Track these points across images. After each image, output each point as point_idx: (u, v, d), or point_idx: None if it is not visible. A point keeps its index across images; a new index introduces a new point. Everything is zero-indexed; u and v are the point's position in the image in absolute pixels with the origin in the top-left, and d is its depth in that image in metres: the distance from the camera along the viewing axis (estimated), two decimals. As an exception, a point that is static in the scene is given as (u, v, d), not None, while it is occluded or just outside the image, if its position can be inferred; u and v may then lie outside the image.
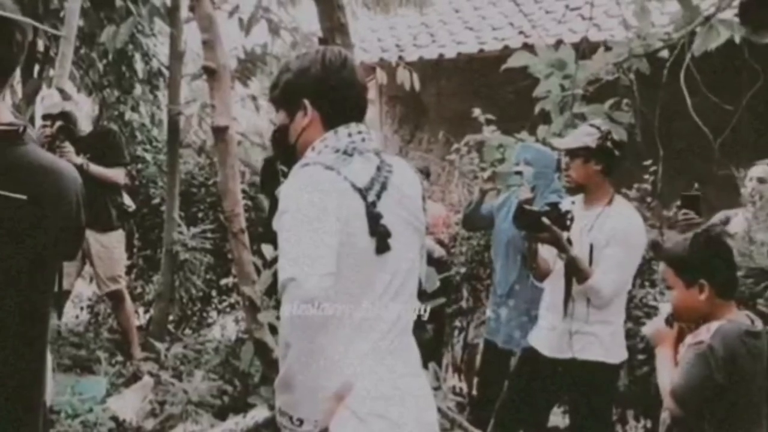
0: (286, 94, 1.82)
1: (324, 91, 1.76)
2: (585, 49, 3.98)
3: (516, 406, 3.21)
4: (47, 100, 4.43)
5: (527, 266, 3.27)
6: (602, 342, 2.97)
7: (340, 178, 1.67)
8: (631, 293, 3.56)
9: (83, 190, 1.54)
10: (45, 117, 4.31)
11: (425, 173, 5.49)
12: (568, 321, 2.98)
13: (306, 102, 1.77)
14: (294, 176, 1.70)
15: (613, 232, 2.95)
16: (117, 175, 4.62)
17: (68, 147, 4.24)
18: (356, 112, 1.81)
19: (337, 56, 1.79)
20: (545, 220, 2.87)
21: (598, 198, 3.07)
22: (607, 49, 4.11)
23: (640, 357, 4.12)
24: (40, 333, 1.46)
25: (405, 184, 1.81)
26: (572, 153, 3.10)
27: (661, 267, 3.07)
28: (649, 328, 2.54)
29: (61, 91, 4.54)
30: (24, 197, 1.24)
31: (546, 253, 3.06)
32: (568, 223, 2.90)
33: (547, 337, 3.09)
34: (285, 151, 1.86)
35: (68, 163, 1.63)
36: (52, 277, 1.51)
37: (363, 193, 1.68)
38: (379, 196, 1.71)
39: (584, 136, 3.09)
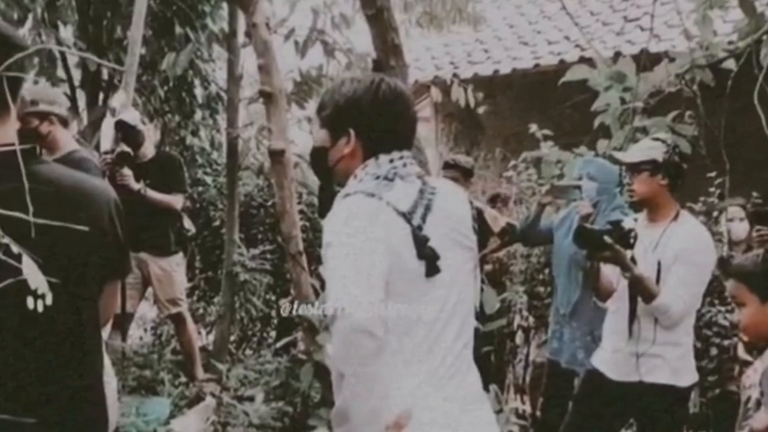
0: (334, 119, 1.79)
1: (371, 125, 1.74)
2: (645, 61, 3.88)
3: (581, 430, 3.12)
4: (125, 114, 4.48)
5: (589, 285, 3.19)
6: (670, 364, 2.85)
7: (383, 204, 1.64)
8: (700, 312, 3.44)
9: (118, 206, 1.51)
10: (119, 124, 4.34)
11: (500, 199, 5.47)
12: (634, 343, 2.87)
13: (351, 131, 1.75)
14: (337, 206, 1.68)
15: (680, 248, 2.85)
16: (175, 201, 4.68)
17: (127, 173, 4.33)
18: (402, 142, 1.78)
19: (391, 90, 1.75)
20: (607, 238, 2.78)
21: (663, 214, 2.98)
22: (671, 60, 3.99)
23: (711, 379, 3.98)
24: (89, 351, 1.43)
25: (451, 204, 1.77)
26: (636, 167, 3.02)
27: (730, 284, 2.95)
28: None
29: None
30: (46, 222, 1.18)
31: (609, 272, 2.98)
32: (632, 241, 2.81)
33: (612, 359, 2.99)
34: (322, 171, 1.85)
35: (101, 181, 1.60)
36: (94, 294, 1.47)
37: (407, 217, 1.65)
38: (424, 219, 1.67)
39: (650, 149, 3.00)
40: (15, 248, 1.04)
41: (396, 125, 1.76)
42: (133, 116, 4.38)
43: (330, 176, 1.82)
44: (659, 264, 2.86)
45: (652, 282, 2.84)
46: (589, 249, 2.87)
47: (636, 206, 3.19)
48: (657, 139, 3.08)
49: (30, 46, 1.41)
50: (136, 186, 4.36)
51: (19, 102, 1.42)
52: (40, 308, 1.08)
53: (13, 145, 1.32)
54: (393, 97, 1.75)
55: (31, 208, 1.10)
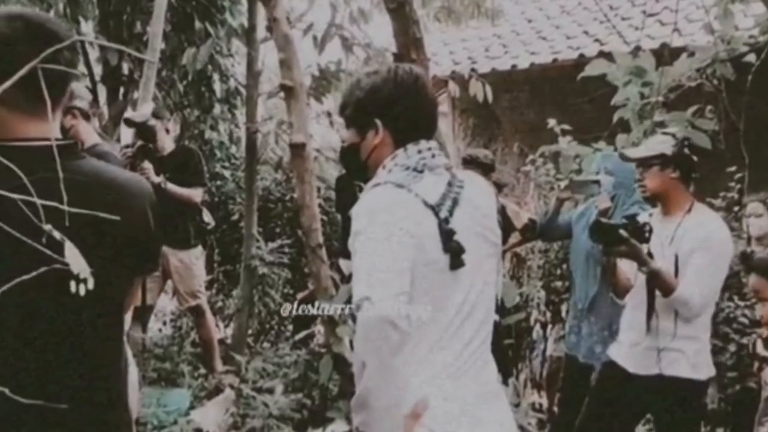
0: (358, 114, 1.81)
1: (396, 111, 1.76)
2: (667, 57, 3.87)
3: (598, 423, 3.12)
4: (139, 110, 4.53)
5: (607, 281, 3.18)
6: (689, 358, 2.85)
7: (412, 196, 1.66)
8: (718, 307, 3.42)
9: (154, 203, 1.52)
10: (127, 122, 4.42)
11: (499, 185, 5.45)
12: (653, 337, 2.87)
13: (378, 121, 1.77)
14: (366, 196, 1.70)
15: (696, 240, 2.84)
16: (194, 194, 4.71)
17: (147, 166, 4.37)
18: (426, 130, 1.79)
19: (408, 74, 1.78)
20: (622, 233, 2.77)
21: (677, 207, 2.97)
22: (690, 54, 3.98)
23: (730, 375, 3.96)
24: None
25: (477, 198, 1.78)
26: (646, 162, 3.02)
27: (752, 278, 2.93)
28: None
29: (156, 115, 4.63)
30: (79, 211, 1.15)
31: (626, 267, 2.97)
32: (647, 235, 2.80)
33: (631, 353, 2.98)
34: (356, 168, 1.87)
35: (138, 177, 1.61)
36: (125, 291, 1.47)
37: (435, 209, 1.66)
38: (451, 212, 1.68)
39: (658, 143, 3.00)
40: (57, 235, 1.06)
41: (418, 110, 1.78)
42: (141, 113, 4.43)
43: (364, 172, 1.83)
44: (676, 257, 2.86)
45: (671, 275, 2.83)
46: (604, 243, 2.86)
47: (649, 200, 3.18)
48: (666, 134, 3.07)
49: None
50: (156, 179, 4.40)
51: (67, 97, 1.43)
52: (82, 292, 1.09)
53: (57, 139, 1.33)
54: (412, 81, 1.77)
55: (65, 198, 1.12)
